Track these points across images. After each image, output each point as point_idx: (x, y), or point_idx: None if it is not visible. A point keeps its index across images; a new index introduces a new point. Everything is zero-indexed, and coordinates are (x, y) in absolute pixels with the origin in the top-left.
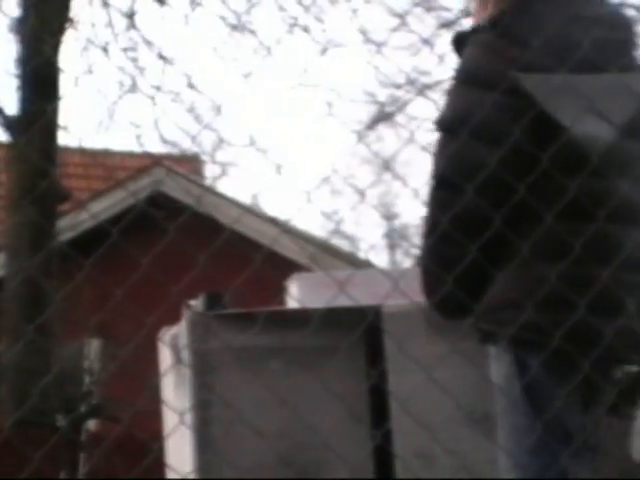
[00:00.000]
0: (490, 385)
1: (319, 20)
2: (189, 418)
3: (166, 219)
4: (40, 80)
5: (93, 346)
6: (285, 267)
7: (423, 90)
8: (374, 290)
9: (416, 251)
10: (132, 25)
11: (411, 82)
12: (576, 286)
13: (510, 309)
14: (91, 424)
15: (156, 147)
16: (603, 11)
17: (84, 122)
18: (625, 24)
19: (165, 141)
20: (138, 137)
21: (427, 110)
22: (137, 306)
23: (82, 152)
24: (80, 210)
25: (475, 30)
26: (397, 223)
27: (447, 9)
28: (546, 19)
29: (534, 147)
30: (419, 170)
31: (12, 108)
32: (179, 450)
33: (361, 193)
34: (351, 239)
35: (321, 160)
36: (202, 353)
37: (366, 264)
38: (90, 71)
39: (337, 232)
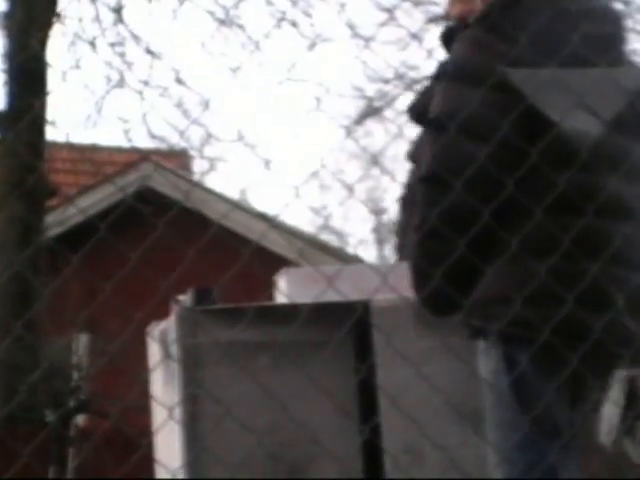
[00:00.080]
0: (479, 380)
1: (307, 15)
2: (178, 413)
3: (154, 214)
4: (27, 75)
5: (82, 341)
6: (273, 262)
7: (412, 85)
8: (363, 285)
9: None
10: (120, 20)
11: (399, 77)
12: (565, 281)
13: (499, 304)
14: (80, 419)
15: (144, 142)
16: (592, 5)
17: (72, 117)
18: (614, 18)
19: (153, 136)
20: (126, 132)
21: None
22: (125, 301)
23: (70, 147)
24: (68, 205)
25: (464, 25)
26: (385, 218)
27: (435, 3)
28: (534, 14)
29: (523, 142)
30: (407, 165)
31: None
32: (168, 445)
33: (349, 188)
34: (339, 234)
35: (309, 155)
36: (191, 348)
37: (355, 259)
38: (78, 66)
39: (325, 227)
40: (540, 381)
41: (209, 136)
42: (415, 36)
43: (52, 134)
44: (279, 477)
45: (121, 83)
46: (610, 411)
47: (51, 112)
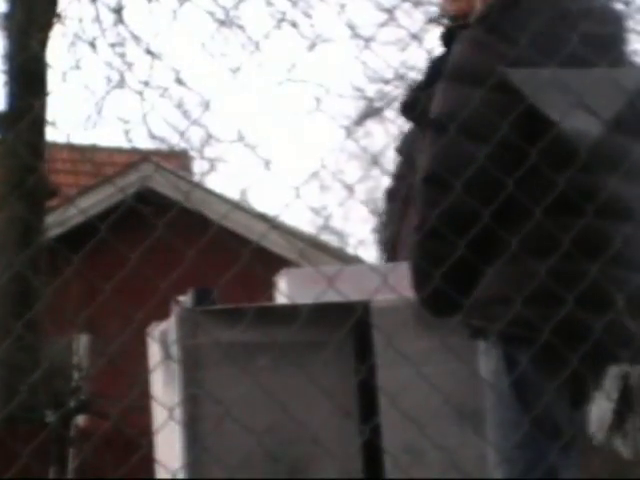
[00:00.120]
0: (479, 380)
1: (307, 15)
2: (178, 413)
3: (154, 215)
4: (27, 75)
5: (82, 342)
6: (274, 262)
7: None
8: (363, 285)
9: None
10: (120, 20)
11: (400, 77)
12: (565, 281)
13: (499, 304)
14: (80, 420)
15: (144, 143)
16: (592, 5)
17: (72, 118)
18: (615, 18)
19: (153, 137)
20: (126, 133)
21: None
22: (126, 302)
23: (70, 148)
24: (68, 206)
25: (462, 24)
26: None
27: (435, 4)
28: (535, 14)
29: (523, 142)
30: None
31: None
32: (168, 445)
33: (350, 188)
34: (340, 234)
35: (310, 156)
36: (191, 349)
37: (355, 259)
38: (78, 66)
39: (326, 227)
40: (540, 381)
41: (209, 137)
42: (415, 36)
43: (52, 135)
44: (279, 477)
45: (121, 84)
46: (602, 406)
47: (51, 113)
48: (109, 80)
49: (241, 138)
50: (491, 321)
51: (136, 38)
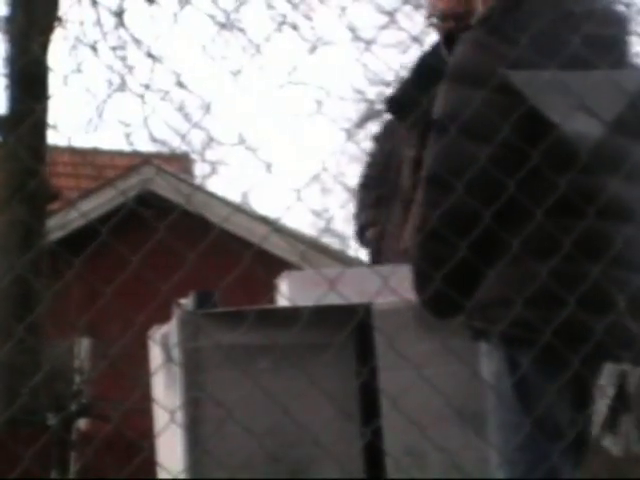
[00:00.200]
0: (480, 382)
1: (308, 18)
2: (179, 416)
3: (156, 218)
4: (29, 79)
5: (83, 345)
6: (275, 265)
7: None
8: (364, 288)
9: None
10: (121, 23)
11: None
12: (567, 283)
13: (501, 306)
14: (81, 423)
15: (145, 146)
16: (594, 7)
17: (73, 121)
18: (617, 20)
19: (154, 140)
20: (127, 136)
21: None
22: (127, 305)
23: (71, 151)
24: (69, 209)
25: (465, 27)
26: None
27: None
28: (536, 16)
29: (524, 144)
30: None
31: (1, 107)
32: (170, 448)
33: (351, 191)
34: (341, 237)
35: (311, 158)
36: (192, 351)
37: (356, 262)
38: (79, 70)
39: (327, 230)
40: (542, 382)
41: (210, 139)
42: (416, 39)
43: (53, 138)
44: (280, 479)
45: (122, 87)
46: (598, 404)
47: (52, 116)
48: (110, 83)
49: (242, 141)
50: (492, 323)
51: (137, 41)
